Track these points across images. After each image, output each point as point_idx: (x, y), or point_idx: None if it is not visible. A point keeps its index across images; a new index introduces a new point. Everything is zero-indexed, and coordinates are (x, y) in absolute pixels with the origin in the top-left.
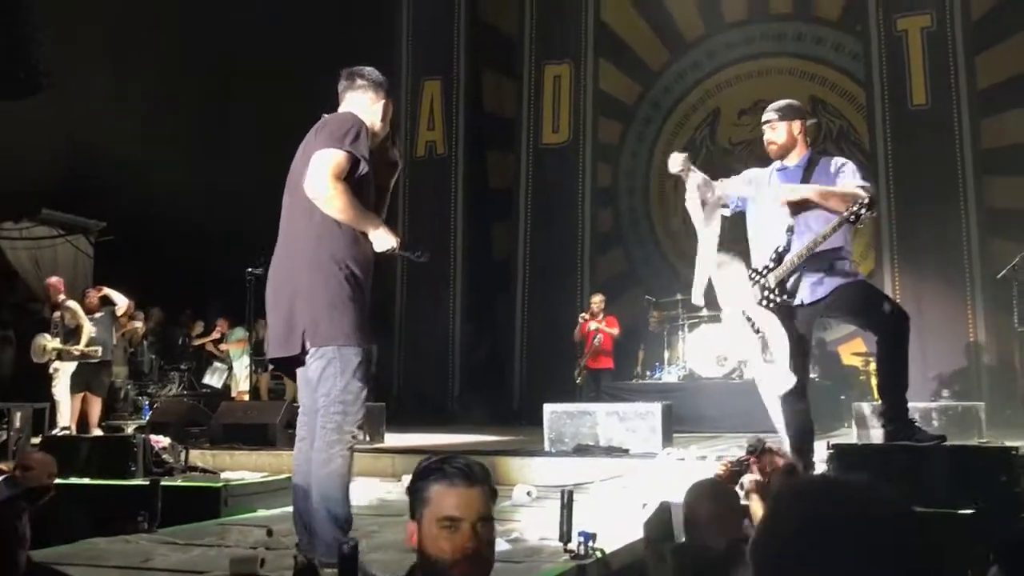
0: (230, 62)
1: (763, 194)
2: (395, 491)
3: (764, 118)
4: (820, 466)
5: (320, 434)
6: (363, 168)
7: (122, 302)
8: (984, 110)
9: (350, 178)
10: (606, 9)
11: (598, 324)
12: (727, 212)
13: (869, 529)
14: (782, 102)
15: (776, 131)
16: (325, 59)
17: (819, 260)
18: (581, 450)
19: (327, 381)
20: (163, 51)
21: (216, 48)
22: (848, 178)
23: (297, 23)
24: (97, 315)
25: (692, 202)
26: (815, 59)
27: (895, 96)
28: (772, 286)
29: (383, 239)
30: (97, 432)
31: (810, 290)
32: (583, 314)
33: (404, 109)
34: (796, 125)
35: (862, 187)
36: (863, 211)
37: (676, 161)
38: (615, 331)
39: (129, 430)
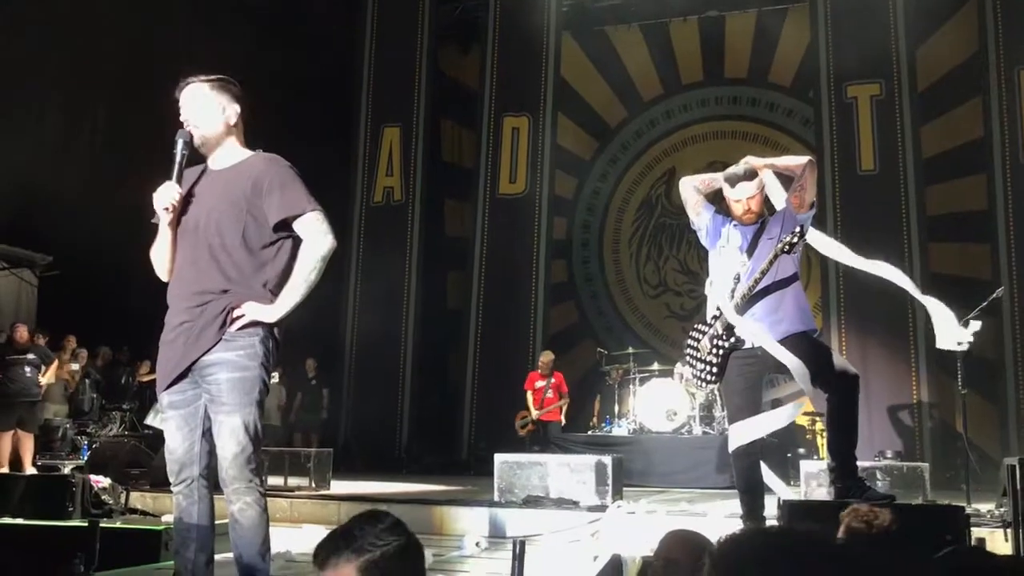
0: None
1: (726, 248)
2: None
3: (748, 193)
4: (771, 522)
5: None
6: None
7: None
8: (928, 178)
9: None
10: (566, 65)
11: (544, 382)
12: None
13: (820, 572)
14: (754, 177)
15: (756, 201)
16: (286, 103)
17: (770, 299)
18: (531, 501)
19: None
20: (114, 88)
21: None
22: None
23: (257, 66)
24: (29, 356)
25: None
26: (768, 123)
27: (845, 161)
28: (720, 332)
29: None
30: (31, 470)
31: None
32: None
33: (363, 154)
34: (763, 191)
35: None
36: (795, 239)
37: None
38: (564, 400)
39: (66, 470)
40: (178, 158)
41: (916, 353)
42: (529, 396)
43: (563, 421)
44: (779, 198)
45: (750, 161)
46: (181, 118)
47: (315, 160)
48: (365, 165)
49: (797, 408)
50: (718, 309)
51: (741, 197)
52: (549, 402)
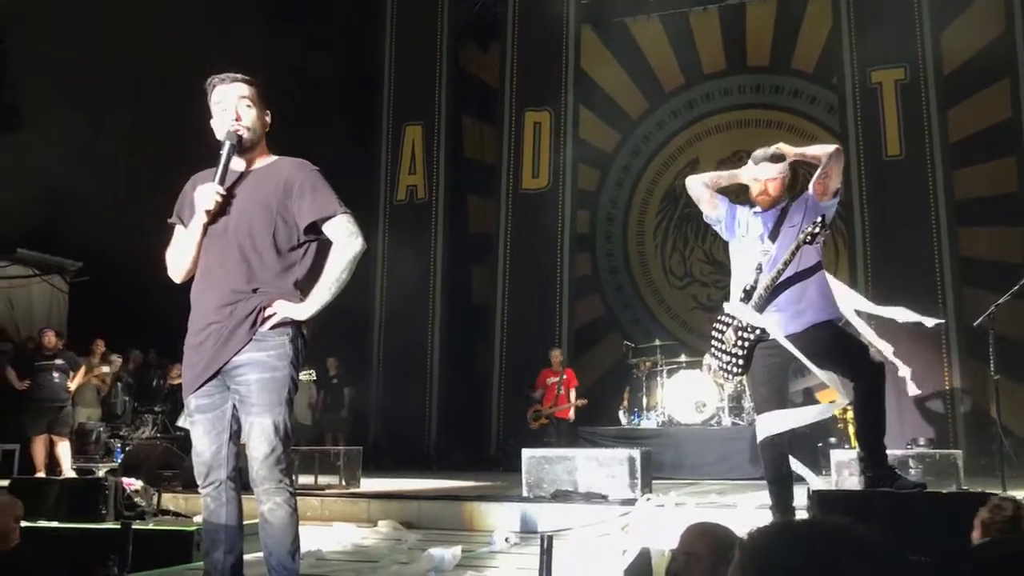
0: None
1: (746, 237)
2: (371, 536)
3: (768, 175)
4: (801, 513)
5: None
6: None
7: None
8: (955, 162)
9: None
10: (586, 58)
11: (556, 378)
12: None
13: (858, 570)
14: (780, 160)
15: (776, 185)
16: (308, 103)
17: (793, 289)
18: (560, 496)
19: None
20: (140, 93)
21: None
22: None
23: (278, 67)
24: (57, 361)
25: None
26: (792, 111)
27: (870, 147)
28: (744, 323)
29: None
30: (70, 474)
31: (784, 325)
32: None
33: (385, 153)
34: (787, 178)
35: (836, 148)
36: (818, 230)
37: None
38: (573, 387)
39: (100, 473)
40: (224, 159)
41: (947, 339)
42: (541, 393)
43: (572, 418)
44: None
45: (781, 147)
46: (224, 111)
47: (338, 161)
48: (388, 164)
49: (830, 408)
50: (741, 301)
51: (760, 177)
52: (562, 399)
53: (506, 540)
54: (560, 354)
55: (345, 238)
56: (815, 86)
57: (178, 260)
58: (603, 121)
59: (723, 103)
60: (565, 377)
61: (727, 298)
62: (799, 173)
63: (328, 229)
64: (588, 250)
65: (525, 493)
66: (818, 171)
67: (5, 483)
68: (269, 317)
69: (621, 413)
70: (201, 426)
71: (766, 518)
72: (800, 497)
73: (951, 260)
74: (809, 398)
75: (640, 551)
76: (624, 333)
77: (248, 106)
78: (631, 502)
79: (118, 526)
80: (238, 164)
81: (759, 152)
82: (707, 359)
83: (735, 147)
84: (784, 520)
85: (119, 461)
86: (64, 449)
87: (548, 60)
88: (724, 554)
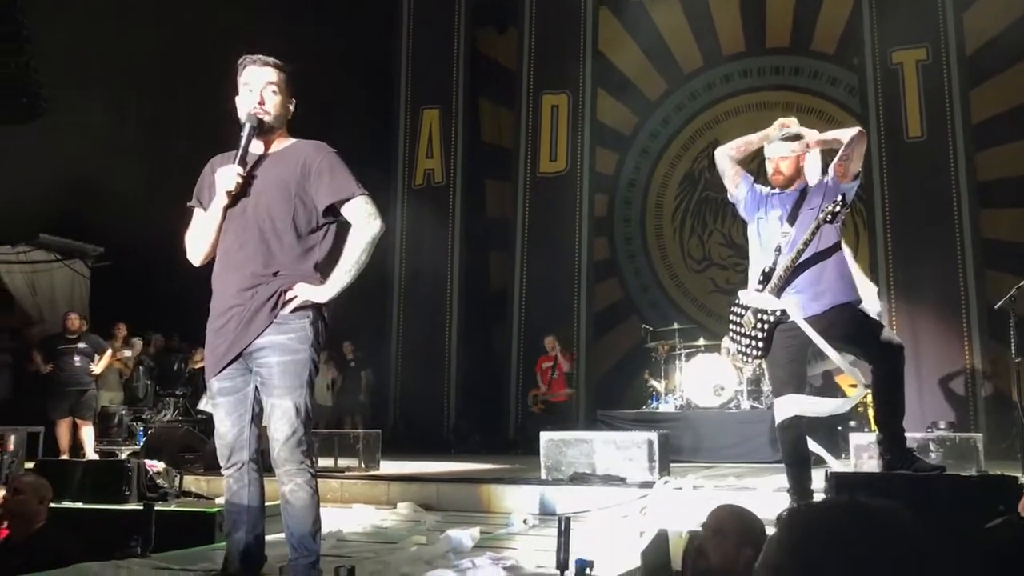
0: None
1: (765, 219)
2: (390, 518)
3: (779, 153)
4: (819, 495)
5: None
6: None
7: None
8: (978, 143)
9: None
10: (604, 41)
11: (550, 363)
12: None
13: (906, 555)
14: (794, 140)
15: (788, 164)
16: (326, 88)
17: (812, 270)
18: (577, 478)
19: None
20: (163, 79)
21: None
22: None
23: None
24: (80, 345)
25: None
26: (812, 92)
27: (891, 129)
28: (763, 307)
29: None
30: (93, 457)
31: (804, 306)
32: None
33: (403, 137)
34: (801, 158)
35: (859, 131)
36: (838, 209)
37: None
38: (568, 367)
39: (123, 455)
40: (244, 141)
41: (968, 321)
42: (539, 377)
43: (569, 399)
44: (814, 174)
45: (803, 131)
46: (250, 92)
47: (355, 145)
48: (405, 148)
49: (848, 402)
50: (760, 284)
51: (773, 156)
52: (556, 382)
53: (524, 522)
54: (553, 340)
55: (364, 220)
56: (835, 67)
57: (197, 243)
58: (621, 103)
59: (742, 85)
60: (560, 362)
61: (746, 281)
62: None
63: (346, 211)
64: (606, 234)
65: (543, 476)
66: (839, 153)
67: (30, 465)
68: (290, 300)
69: (648, 386)
70: (223, 408)
71: (784, 501)
72: (818, 480)
73: (973, 242)
74: (828, 382)
75: (657, 533)
76: (642, 317)
77: (274, 92)
78: (649, 485)
79: (141, 507)
80: (256, 147)
81: (773, 127)
82: (726, 342)
83: (754, 129)
84: (828, 499)
85: (141, 444)
86: (87, 432)
87: (566, 42)
88: (750, 536)
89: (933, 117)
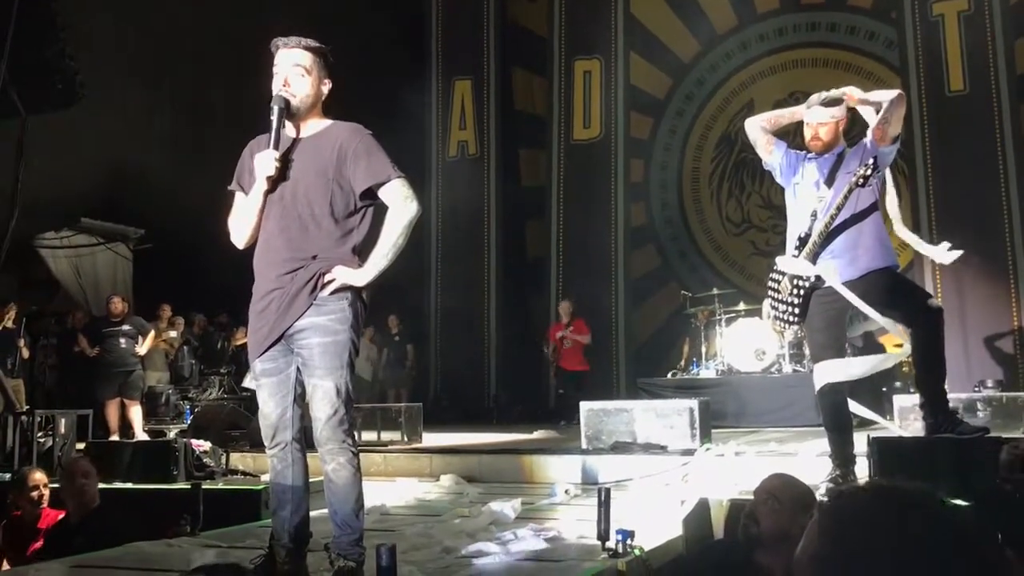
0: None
1: (801, 184)
2: (433, 491)
3: (819, 118)
4: (860, 460)
5: None
6: None
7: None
8: (1023, 96)
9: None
10: (635, 3)
11: (564, 332)
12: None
13: (956, 550)
14: (834, 105)
15: (827, 129)
16: (356, 65)
17: (848, 234)
18: (619, 448)
19: None
20: (200, 63)
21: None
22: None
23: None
24: (124, 327)
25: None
26: (850, 48)
27: (932, 83)
28: (799, 272)
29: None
30: (142, 436)
31: (841, 271)
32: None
33: (436, 109)
34: (841, 123)
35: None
36: (869, 172)
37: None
38: (584, 337)
39: (171, 434)
40: (275, 124)
41: (1015, 277)
42: (552, 346)
43: (586, 367)
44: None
45: (846, 91)
46: (277, 75)
47: (387, 118)
48: (438, 120)
49: (890, 358)
50: (796, 249)
51: (811, 121)
52: (568, 351)
53: (566, 492)
54: (569, 305)
55: (401, 203)
56: (873, 21)
57: (240, 227)
58: (654, 66)
59: (777, 43)
60: (572, 329)
61: (785, 244)
62: (858, 118)
63: (383, 194)
64: (642, 199)
65: (584, 445)
66: (878, 116)
67: (81, 446)
68: (329, 283)
69: (679, 367)
70: (267, 389)
71: (826, 466)
72: (860, 444)
73: (1019, 197)
74: (870, 343)
75: (699, 501)
76: (681, 283)
77: (301, 75)
78: (690, 452)
79: (189, 486)
80: (289, 129)
81: (813, 96)
82: (765, 307)
83: (791, 88)
84: (868, 483)
85: (188, 423)
86: (136, 412)
87: (597, 6)
88: (804, 506)
89: (976, 70)
